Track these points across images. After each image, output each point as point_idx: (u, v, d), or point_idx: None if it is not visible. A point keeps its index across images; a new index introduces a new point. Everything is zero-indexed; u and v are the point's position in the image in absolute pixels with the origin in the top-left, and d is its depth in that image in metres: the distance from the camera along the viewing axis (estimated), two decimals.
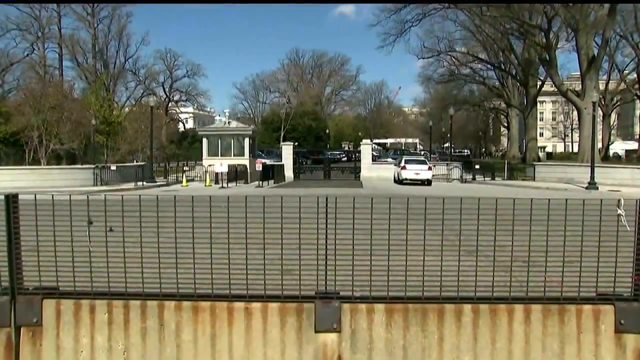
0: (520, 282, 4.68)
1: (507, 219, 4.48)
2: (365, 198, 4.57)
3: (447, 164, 39.14)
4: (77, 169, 31.13)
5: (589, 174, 27.97)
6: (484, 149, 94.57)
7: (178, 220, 4.52)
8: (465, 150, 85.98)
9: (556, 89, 46.09)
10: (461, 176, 36.95)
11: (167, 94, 76.28)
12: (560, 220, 4.53)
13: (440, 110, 76.31)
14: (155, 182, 31.30)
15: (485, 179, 36.07)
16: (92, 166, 31.02)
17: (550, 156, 78.10)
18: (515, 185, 31.29)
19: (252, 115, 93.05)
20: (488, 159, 75.40)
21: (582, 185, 28.23)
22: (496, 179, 35.94)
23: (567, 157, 61.70)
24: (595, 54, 41.44)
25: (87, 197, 4.55)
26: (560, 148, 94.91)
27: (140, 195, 4.58)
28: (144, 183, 29.54)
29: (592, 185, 27.56)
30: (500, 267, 4.74)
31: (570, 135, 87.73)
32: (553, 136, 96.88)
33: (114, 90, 65.06)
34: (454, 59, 61.10)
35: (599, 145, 50.22)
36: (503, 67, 58.48)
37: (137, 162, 40.33)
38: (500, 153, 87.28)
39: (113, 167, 30.95)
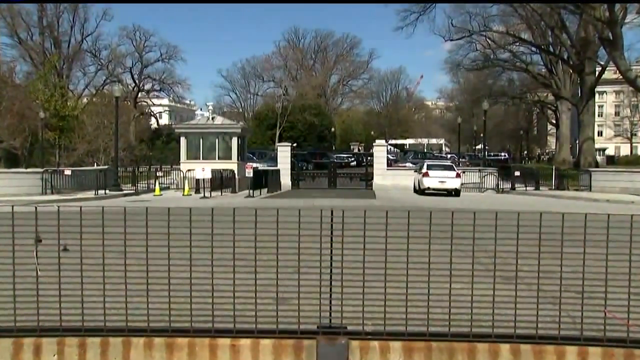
0: (573, 317, 4.66)
1: (555, 239, 4.48)
2: (378, 211, 4.58)
3: (480, 170, 39.14)
4: (20, 174, 31.14)
5: None
6: (525, 152, 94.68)
7: (150, 237, 4.54)
8: (503, 153, 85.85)
9: (621, 76, 45.74)
10: (497, 185, 36.91)
11: (136, 81, 76.51)
12: (624, 242, 4.51)
13: (472, 104, 76.44)
14: (121, 190, 31.36)
15: (528, 188, 36.02)
16: (40, 170, 31.06)
17: (612, 160, 77.90)
18: (566, 196, 31.23)
19: (241, 110, 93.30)
20: (531, 163, 75.44)
21: None
22: (541, 188, 35.89)
23: (634, 162, 61.48)
24: None
25: (35, 208, 4.56)
26: (625, 150, 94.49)
27: (103, 207, 4.60)
28: (107, 191, 29.61)
29: None
30: (546, 299, 4.74)
31: (638, 134, 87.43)
32: (616, 135, 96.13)
33: (68, 75, 64.95)
34: (489, 41, 61.14)
35: None
36: (552, 50, 58.37)
37: (98, 165, 40.46)
38: (547, 157, 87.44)
39: (67, 172, 31.00)
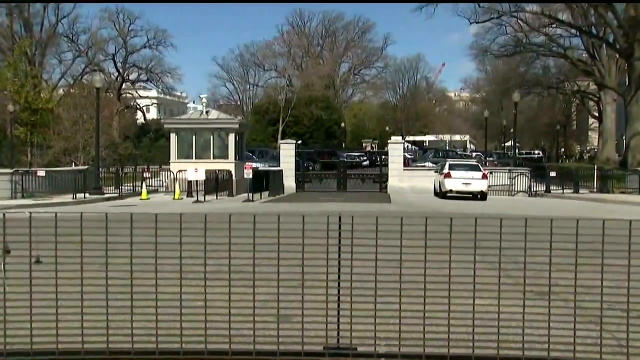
0: (619, 340, 4.65)
1: (595, 249, 4.47)
2: (393, 218, 4.59)
3: (510, 171, 39.08)
4: None
5: None
6: (563, 150, 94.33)
7: (135, 248, 4.56)
8: (536, 152, 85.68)
9: None
10: (530, 188, 36.86)
11: (120, 70, 76.86)
12: None
13: (501, 96, 76.25)
14: (104, 193, 31.50)
15: (566, 191, 35.93)
16: (10, 171, 31.23)
17: None
18: (610, 200, 31.12)
19: (239, 103, 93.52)
20: (570, 163, 75.18)
21: None
22: (582, 191, 35.79)
23: None
24: None
25: (4, 215, 4.59)
26: None
27: (82, 213, 4.62)
28: (87, 195, 29.72)
29: None
30: (586, 318, 4.73)
31: None
32: None
33: (41, 63, 64.94)
34: (521, 23, 61.10)
35: None
36: (595, 32, 57.97)
37: (76, 165, 40.62)
38: (588, 155, 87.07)
39: (41, 173, 31.14)
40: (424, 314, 4.49)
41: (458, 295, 4.52)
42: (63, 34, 69.69)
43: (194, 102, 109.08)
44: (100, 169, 33.81)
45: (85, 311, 4.56)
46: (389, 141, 45.49)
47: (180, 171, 33.09)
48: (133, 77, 79.62)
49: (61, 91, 63.02)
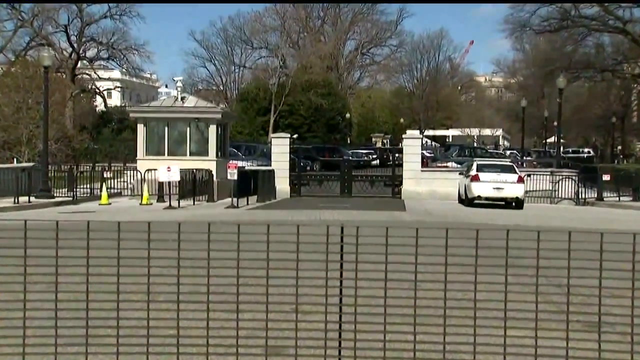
0: None
1: None
2: (407, 229, 4.60)
3: (552, 173, 39.05)
4: None
5: None
6: (619, 147, 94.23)
7: (92, 263, 4.56)
8: (586, 150, 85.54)
9: None
10: (577, 193, 36.84)
11: (75, 45, 76.50)
12: None
13: (542, 81, 76.11)
14: (53, 196, 31.44)
15: (622, 198, 35.94)
16: None
17: None
18: None
19: (222, 88, 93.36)
20: (628, 163, 75.07)
21: None
22: None
23: None
24: None
25: None
26: None
27: (25, 221, 4.62)
28: (33, 199, 29.70)
29: None
30: None
31: None
32: None
33: None
34: None
35: None
36: None
37: (19, 162, 40.56)
38: None
39: None
40: (444, 346, 4.50)
41: (486, 324, 4.53)
42: None
43: (166, 86, 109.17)
44: (49, 167, 33.74)
45: (27, 342, 4.55)
46: (403, 136, 45.48)
47: (149, 170, 33.05)
48: (90, 53, 79.14)
49: None
